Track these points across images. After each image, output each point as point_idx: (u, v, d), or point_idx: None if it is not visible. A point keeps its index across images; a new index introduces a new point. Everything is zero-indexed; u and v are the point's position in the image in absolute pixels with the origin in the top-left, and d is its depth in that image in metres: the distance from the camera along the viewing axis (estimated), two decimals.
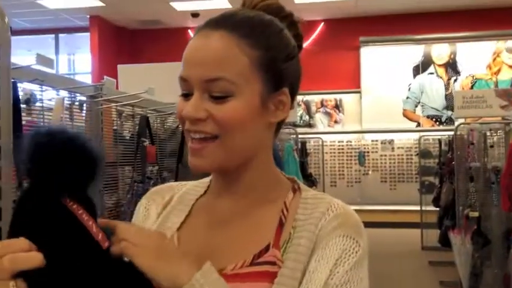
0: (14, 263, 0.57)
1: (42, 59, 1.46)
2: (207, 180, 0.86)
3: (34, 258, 0.58)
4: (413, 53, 8.68)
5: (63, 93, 1.98)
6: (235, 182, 0.79)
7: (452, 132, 4.85)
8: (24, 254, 0.58)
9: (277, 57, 0.76)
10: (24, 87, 1.63)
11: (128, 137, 2.77)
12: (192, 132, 0.74)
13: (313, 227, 0.73)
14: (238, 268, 0.73)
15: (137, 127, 2.65)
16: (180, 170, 2.82)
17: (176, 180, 2.73)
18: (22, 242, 0.59)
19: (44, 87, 1.80)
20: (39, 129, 0.65)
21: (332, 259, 0.71)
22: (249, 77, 0.73)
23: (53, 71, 2.08)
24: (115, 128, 2.64)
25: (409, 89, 8.69)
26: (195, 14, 8.06)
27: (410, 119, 8.71)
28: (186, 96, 0.75)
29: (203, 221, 0.81)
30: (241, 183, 0.79)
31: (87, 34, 8.63)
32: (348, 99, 8.83)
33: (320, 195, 0.79)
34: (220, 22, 0.75)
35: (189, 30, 8.58)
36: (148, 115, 2.78)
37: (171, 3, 7.73)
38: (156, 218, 0.84)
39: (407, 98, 8.70)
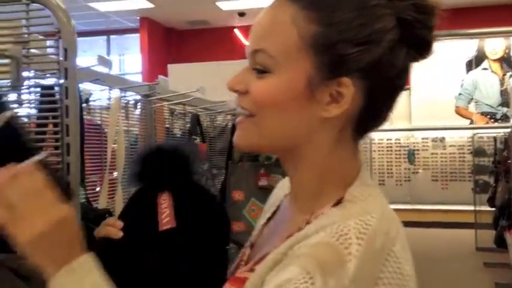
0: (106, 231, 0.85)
1: (102, 60, 1.51)
2: None
3: (112, 232, 0.84)
4: (466, 47, 8.40)
5: (117, 92, 2.04)
6: (291, 180, 0.73)
7: (508, 130, 4.67)
8: (111, 228, 0.85)
9: (342, 37, 0.62)
10: (84, 87, 1.70)
11: (178, 135, 2.82)
12: (237, 105, 0.70)
13: (286, 246, 0.63)
14: (242, 272, 0.71)
15: (188, 125, 2.69)
16: (229, 167, 2.84)
17: (226, 177, 2.76)
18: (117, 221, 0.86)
19: (102, 87, 1.86)
20: (147, 147, 0.89)
21: (272, 284, 0.59)
22: (293, 55, 0.63)
23: (111, 72, 2.15)
24: (167, 126, 2.70)
25: (462, 85, 8.42)
26: (241, 13, 8.11)
27: (463, 116, 8.44)
28: None
29: (274, 221, 0.80)
30: (295, 183, 0.72)
31: (137, 35, 8.84)
32: None
33: (336, 214, 0.64)
34: None
35: (236, 30, 8.64)
36: (199, 113, 2.82)
37: (217, 3, 7.80)
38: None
39: (460, 94, 8.43)
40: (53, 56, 0.95)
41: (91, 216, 1.08)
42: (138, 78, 8.49)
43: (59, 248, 0.64)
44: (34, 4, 0.92)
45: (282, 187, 0.83)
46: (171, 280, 0.73)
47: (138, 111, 2.34)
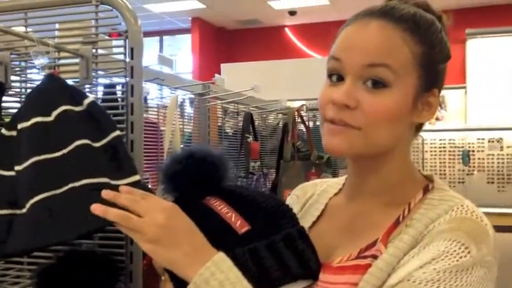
0: None
1: (163, 59, 1.55)
2: (343, 178, 0.87)
3: None
4: None
5: (173, 91, 2.08)
6: (370, 177, 0.78)
7: None
8: None
9: (437, 57, 0.75)
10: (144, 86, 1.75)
11: (230, 134, 2.85)
12: (337, 120, 0.73)
13: (422, 226, 0.71)
14: (344, 261, 0.74)
15: (239, 124, 2.72)
16: (281, 166, 2.85)
17: (277, 175, 2.77)
18: None
19: (157, 86, 1.91)
20: (178, 153, 0.83)
21: (427, 257, 0.66)
22: (409, 71, 0.72)
23: (172, 71, 2.21)
24: (219, 124, 2.73)
25: None
26: (292, 12, 8.08)
27: None
28: (333, 78, 0.74)
29: (332, 221, 0.84)
30: (376, 179, 0.78)
31: (189, 35, 8.99)
32: (452, 95, 8.39)
33: (450, 197, 0.75)
34: (383, 13, 0.74)
35: (286, 29, 8.63)
36: (251, 112, 2.84)
37: (269, 2, 7.82)
38: (297, 215, 0.87)
39: None
40: (120, 56, 0.99)
41: None
42: (189, 78, 8.64)
43: (184, 236, 0.69)
44: (103, 5, 0.96)
45: (304, 193, 0.91)
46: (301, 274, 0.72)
47: (191, 110, 2.38)
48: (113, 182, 0.83)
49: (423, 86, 0.74)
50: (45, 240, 0.81)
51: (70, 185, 0.81)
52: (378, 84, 0.71)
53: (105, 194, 0.73)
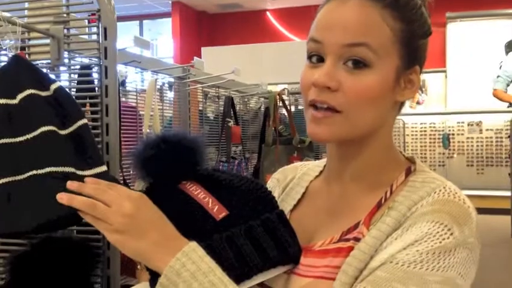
0: None
1: (139, 41, 1.51)
2: (324, 160, 0.86)
3: None
4: (504, 28, 8.12)
5: (149, 75, 2.05)
6: (353, 160, 0.77)
7: None
8: None
9: (417, 32, 0.74)
10: (120, 70, 1.71)
11: (211, 118, 2.83)
12: (319, 103, 0.71)
13: (405, 208, 0.70)
14: (326, 244, 0.74)
15: (221, 108, 2.69)
16: (262, 151, 2.84)
17: (259, 160, 2.76)
18: None
19: (136, 69, 1.88)
20: (151, 137, 0.79)
21: (409, 240, 0.66)
22: (389, 50, 0.71)
23: (151, 54, 2.16)
24: (200, 108, 2.70)
25: (500, 67, 8.16)
26: None
27: (501, 99, 8.19)
28: (313, 59, 0.73)
29: (313, 204, 0.82)
30: (359, 163, 0.77)
31: (169, 19, 8.87)
32: (432, 79, 8.45)
33: (432, 179, 0.74)
34: None
35: (268, 13, 8.57)
36: (232, 96, 2.82)
37: None
38: (277, 199, 0.85)
39: (498, 76, 8.18)
40: (93, 36, 0.96)
41: None
42: (170, 63, 8.55)
43: (152, 226, 0.67)
44: None
45: (284, 177, 0.90)
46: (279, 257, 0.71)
47: (172, 94, 2.35)
48: (79, 172, 0.81)
49: (404, 63, 0.73)
50: (1, 227, 0.78)
51: (32, 172, 0.78)
52: (359, 64, 0.69)
53: (70, 184, 0.71)
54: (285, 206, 0.83)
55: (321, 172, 0.85)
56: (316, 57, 0.72)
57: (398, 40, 0.71)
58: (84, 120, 0.85)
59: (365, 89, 0.69)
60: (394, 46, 0.71)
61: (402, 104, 0.78)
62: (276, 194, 0.87)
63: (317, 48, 0.72)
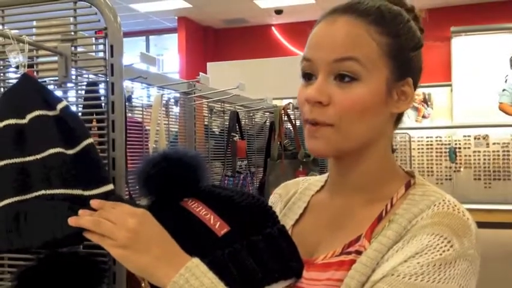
0: None
1: (145, 58, 1.53)
2: (326, 175, 0.87)
3: None
4: (509, 42, 8.13)
5: (155, 90, 2.06)
6: (351, 173, 0.79)
7: None
8: None
9: (405, 45, 0.76)
10: (126, 85, 1.73)
11: (217, 133, 2.84)
12: (310, 120, 0.74)
13: (406, 221, 0.72)
14: (329, 258, 0.75)
15: (226, 123, 2.70)
16: (268, 165, 2.84)
17: (264, 174, 2.76)
18: None
19: (142, 85, 1.89)
20: (152, 156, 0.80)
21: (410, 252, 0.67)
22: (377, 63, 0.73)
23: (157, 69, 2.19)
24: (205, 123, 2.72)
25: (506, 80, 8.15)
26: (278, 11, 8.08)
27: (507, 113, 8.17)
28: (307, 78, 0.76)
29: (315, 218, 0.84)
30: (357, 175, 0.78)
31: (175, 35, 8.95)
32: (438, 93, 8.45)
33: (431, 192, 0.76)
34: (347, 9, 0.76)
35: (273, 28, 8.63)
36: (238, 111, 2.83)
37: (255, 1, 7.81)
38: (279, 213, 0.86)
39: (504, 90, 8.16)
40: (100, 54, 0.97)
41: None
42: (176, 78, 8.60)
43: (156, 242, 0.68)
44: (81, 2, 0.94)
45: (286, 192, 0.91)
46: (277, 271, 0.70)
47: (177, 109, 2.36)
48: (86, 193, 0.82)
49: (395, 75, 0.75)
50: (8, 244, 0.80)
51: (41, 192, 0.80)
52: (348, 77, 0.72)
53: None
54: (287, 220, 0.84)
55: (322, 186, 0.87)
56: (309, 75, 0.76)
57: (386, 53, 0.74)
58: (90, 140, 0.86)
59: (355, 101, 0.72)
60: (381, 59, 0.73)
61: (400, 116, 0.80)
62: (278, 208, 0.88)
63: (309, 67, 0.75)
